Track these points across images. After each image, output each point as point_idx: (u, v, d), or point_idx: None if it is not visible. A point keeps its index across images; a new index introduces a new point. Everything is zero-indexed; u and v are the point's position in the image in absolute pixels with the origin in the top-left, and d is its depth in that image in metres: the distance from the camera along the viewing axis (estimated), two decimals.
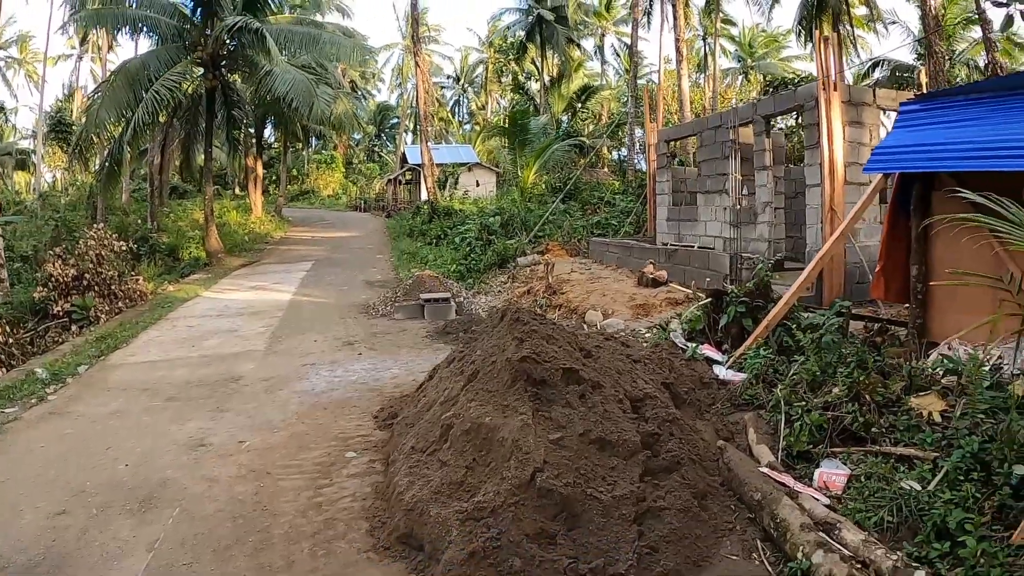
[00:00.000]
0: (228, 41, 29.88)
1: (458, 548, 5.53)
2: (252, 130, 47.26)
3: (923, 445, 7.05)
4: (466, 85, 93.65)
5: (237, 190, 63.69)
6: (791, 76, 45.74)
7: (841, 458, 7.13)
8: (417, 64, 41.14)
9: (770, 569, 5.75)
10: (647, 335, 12.64)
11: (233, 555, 6.30)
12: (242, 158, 47.53)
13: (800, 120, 19.66)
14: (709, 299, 11.87)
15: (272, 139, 60.09)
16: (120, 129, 27.45)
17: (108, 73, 45.25)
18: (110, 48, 53.42)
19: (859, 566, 5.21)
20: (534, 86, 71.64)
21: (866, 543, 5.42)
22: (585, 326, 14.79)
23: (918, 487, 6.24)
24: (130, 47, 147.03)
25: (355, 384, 11.85)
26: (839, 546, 5.48)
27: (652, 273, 18.13)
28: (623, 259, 22.38)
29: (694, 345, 10.91)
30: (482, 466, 6.31)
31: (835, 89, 15.17)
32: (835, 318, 9.82)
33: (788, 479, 6.70)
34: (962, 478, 6.14)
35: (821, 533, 5.63)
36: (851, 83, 32.69)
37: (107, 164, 28.21)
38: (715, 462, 7.18)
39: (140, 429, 9.86)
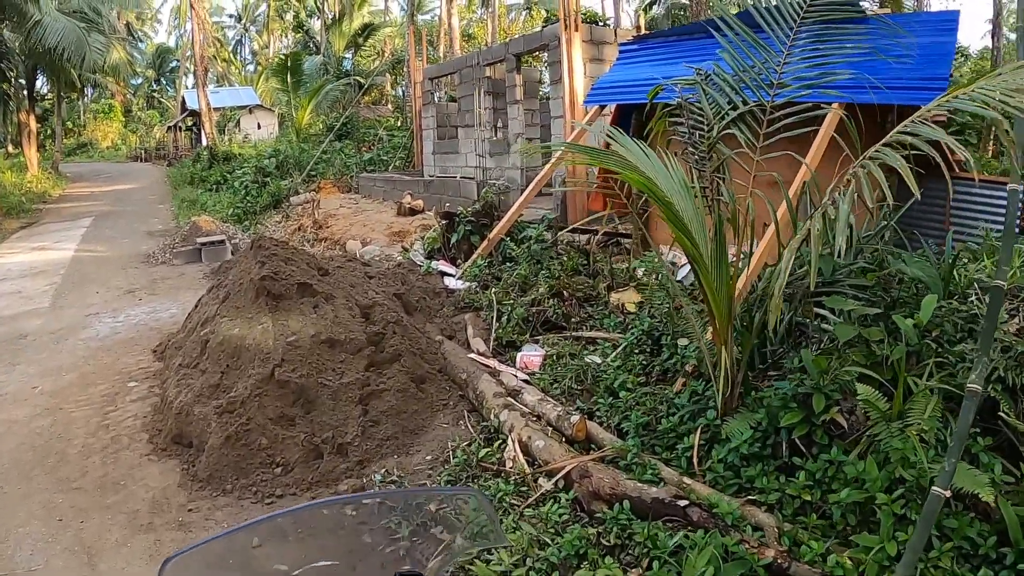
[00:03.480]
0: None
1: (217, 436, 6.85)
2: (23, 82, 44.85)
3: (609, 328, 8.71)
4: (248, 24, 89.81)
5: (10, 148, 60.49)
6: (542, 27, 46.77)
7: (540, 343, 8.72)
8: (192, 6, 40.07)
9: (472, 431, 7.25)
10: (398, 257, 13.93)
11: (36, 474, 7.31)
12: (14, 113, 45.10)
13: (547, 58, 21.00)
14: (444, 221, 13.28)
15: (46, 91, 56.82)
16: None
17: None
18: None
19: (534, 418, 6.74)
20: (316, 25, 70.21)
21: (540, 401, 6.98)
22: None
23: (599, 361, 7.85)
24: None
25: (136, 326, 12.57)
26: (520, 405, 7.02)
27: (410, 203, 19.40)
28: (388, 192, 23.32)
29: (429, 261, 12.46)
30: (234, 369, 7.60)
31: (576, 29, 16.33)
32: (544, 231, 11.47)
33: (493, 362, 8.25)
34: (637, 352, 7.77)
35: (508, 398, 7.17)
36: (637, 16, 33.88)
37: None
38: (435, 354, 8.62)
39: None
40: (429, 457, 6.90)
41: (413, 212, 19.16)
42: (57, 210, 32.57)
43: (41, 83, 50.44)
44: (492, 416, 7.03)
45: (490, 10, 55.69)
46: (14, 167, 44.04)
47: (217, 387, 7.51)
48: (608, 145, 6.27)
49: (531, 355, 8.32)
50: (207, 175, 34.41)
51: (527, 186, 17.79)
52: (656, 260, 9.73)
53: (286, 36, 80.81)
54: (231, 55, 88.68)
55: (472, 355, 8.45)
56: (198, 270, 17.43)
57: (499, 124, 20.84)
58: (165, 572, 2.02)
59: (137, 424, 8.25)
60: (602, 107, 12.63)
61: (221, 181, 31.70)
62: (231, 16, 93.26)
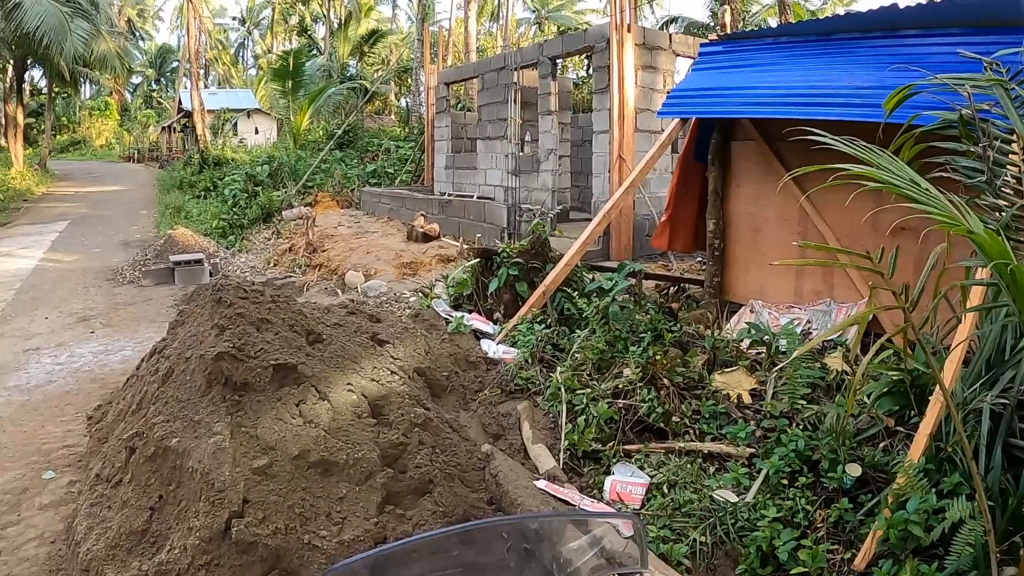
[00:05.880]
0: None
1: None
2: (11, 72, 42.51)
3: (735, 439, 5.90)
4: (252, 27, 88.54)
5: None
6: (586, 27, 45.91)
7: (637, 460, 5.82)
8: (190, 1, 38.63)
9: None
10: (412, 299, 11.16)
11: None
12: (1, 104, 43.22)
13: (590, 62, 18.86)
14: (477, 259, 10.30)
15: (42, 84, 54.80)
16: None
17: None
18: None
19: None
20: (321, 30, 69.13)
21: None
22: (339, 291, 13.50)
23: (734, 498, 5.10)
24: None
25: (79, 372, 10.00)
26: None
27: (423, 227, 17.00)
28: (395, 211, 21.29)
29: (460, 315, 9.23)
30: (171, 506, 4.63)
31: (629, 31, 14.52)
32: (624, 281, 8.47)
33: (572, 494, 5.29)
34: (786, 482, 5.13)
35: None
36: (721, 14, 33.09)
37: None
38: (480, 471, 5.66)
39: None
40: None
41: (427, 238, 16.66)
42: (36, 210, 31.01)
43: (38, 77, 48.97)
44: None
45: (501, 22, 54.56)
46: None
47: (144, 535, 4.54)
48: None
49: (629, 483, 5.44)
50: (196, 180, 32.85)
51: (557, 209, 15.52)
52: (777, 327, 7.11)
53: (290, 40, 79.92)
54: (232, 58, 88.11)
55: (540, 482, 5.45)
56: (168, 294, 15.06)
57: (526, 138, 19.06)
58: None
59: (40, 555, 5.27)
60: (683, 121, 10.04)
61: (210, 187, 30.16)
62: (235, 18, 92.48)
